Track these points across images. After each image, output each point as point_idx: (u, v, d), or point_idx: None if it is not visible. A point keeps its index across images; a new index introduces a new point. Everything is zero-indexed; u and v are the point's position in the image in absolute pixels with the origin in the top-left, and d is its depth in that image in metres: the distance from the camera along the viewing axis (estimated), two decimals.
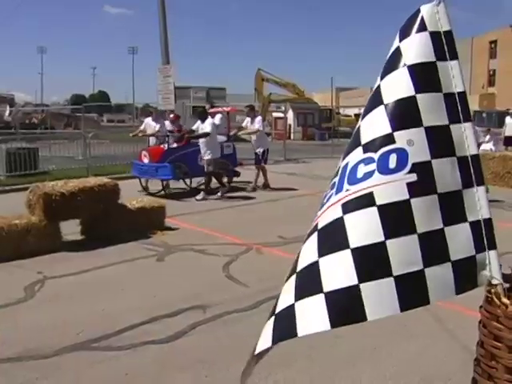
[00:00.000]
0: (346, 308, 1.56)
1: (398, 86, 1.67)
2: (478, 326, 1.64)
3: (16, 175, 14.73)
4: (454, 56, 1.69)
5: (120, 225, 8.14)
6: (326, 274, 1.59)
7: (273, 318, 1.67)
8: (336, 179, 1.75)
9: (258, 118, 13.43)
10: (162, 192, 12.72)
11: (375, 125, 1.67)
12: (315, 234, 1.69)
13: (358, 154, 1.68)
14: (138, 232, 8.21)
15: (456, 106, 1.65)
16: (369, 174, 1.62)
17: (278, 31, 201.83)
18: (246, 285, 6.04)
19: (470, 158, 1.64)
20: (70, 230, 8.04)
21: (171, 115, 15.06)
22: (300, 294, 1.62)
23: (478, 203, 1.61)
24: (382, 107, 1.67)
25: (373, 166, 1.62)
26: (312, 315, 1.57)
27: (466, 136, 1.64)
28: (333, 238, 1.62)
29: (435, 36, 1.68)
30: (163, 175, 12.50)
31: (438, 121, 1.64)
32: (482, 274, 1.59)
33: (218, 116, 14.12)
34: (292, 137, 35.32)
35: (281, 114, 33.81)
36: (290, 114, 35.50)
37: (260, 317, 5.25)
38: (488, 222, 1.61)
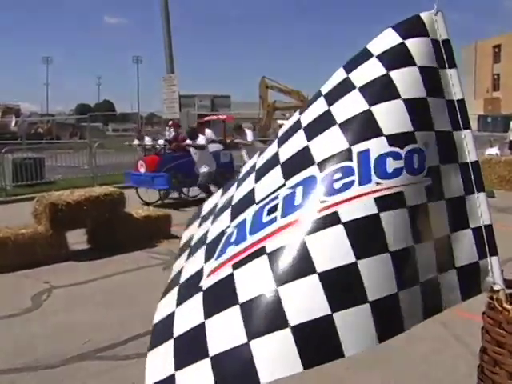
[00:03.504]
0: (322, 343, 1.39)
1: (411, 84, 1.63)
2: (481, 332, 1.65)
3: (22, 185, 14.81)
4: (453, 64, 1.69)
5: (126, 234, 8.16)
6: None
7: (206, 360, 1.40)
8: (352, 164, 1.53)
9: (250, 132, 13.29)
10: (159, 202, 12.54)
11: (396, 117, 1.59)
12: (340, 227, 1.45)
13: (380, 143, 1.54)
14: (144, 241, 8.23)
15: (456, 114, 1.65)
16: (398, 171, 1.51)
17: (282, 38, 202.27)
18: None
19: (470, 165, 1.64)
20: (77, 239, 8.08)
21: (170, 122, 15.13)
22: (257, 330, 1.38)
23: (479, 209, 1.61)
24: (400, 101, 1.60)
25: (401, 163, 1.52)
26: (279, 357, 1.37)
27: (466, 143, 1.65)
28: (371, 236, 1.46)
29: (435, 44, 1.68)
30: (159, 185, 12.30)
31: (444, 126, 1.63)
32: (486, 280, 1.59)
33: (209, 131, 14.00)
34: None
35: (285, 121, 33.85)
36: None
37: None
38: (489, 228, 1.61)
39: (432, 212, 1.55)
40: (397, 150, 1.53)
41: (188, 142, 12.16)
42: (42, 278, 6.76)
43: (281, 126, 28.29)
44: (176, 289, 1.70)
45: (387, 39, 1.71)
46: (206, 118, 14.97)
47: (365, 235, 1.46)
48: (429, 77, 1.64)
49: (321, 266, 1.41)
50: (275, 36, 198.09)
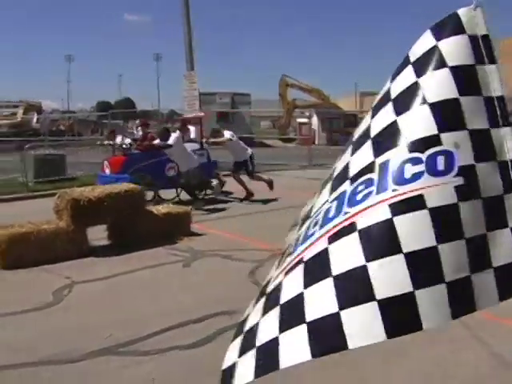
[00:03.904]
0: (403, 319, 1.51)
1: (440, 86, 1.65)
2: None
3: (44, 181, 14.91)
4: (492, 60, 1.66)
5: (146, 230, 8.16)
6: (377, 282, 1.52)
7: (253, 351, 1.62)
8: (373, 176, 1.64)
9: (227, 132, 12.76)
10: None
11: (419, 123, 1.63)
12: (355, 235, 1.58)
13: (400, 151, 1.62)
14: (164, 237, 8.22)
15: (495, 111, 1.63)
16: (418, 175, 1.56)
17: (302, 35, 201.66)
18: None
19: (510, 163, 1.61)
20: (97, 235, 8.12)
21: (137, 121, 14.53)
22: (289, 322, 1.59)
23: None
24: (425, 106, 1.63)
25: (421, 167, 1.57)
26: (366, 326, 1.50)
27: (505, 140, 1.62)
28: (381, 240, 1.55)
29: (473, 39, 1.67)
30: None
31: (480, 124, 1.62)
32: None
33: (193, 129, 13.56)
34: (316, 142, 35.22)
35: (305, 120, 33.79)
36: (315, 120, 35.44)
37: None
38: None
39: (464, 211, 1.55)
40: (417, 155, 1.59)
41: (156, 141, 11.55)
42: (63, 273, 6.81)
43: (300, 124, 28.03)
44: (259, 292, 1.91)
45: (423, 43, 1.74)
46: (186, 116, 14.21)
47: (376, 239, 1.55)
48: (463, 75, 1.65)
49: (336, 271, 1.56)
50: (296, 33, 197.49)
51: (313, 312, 1.55)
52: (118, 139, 14.00)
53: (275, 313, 1.65)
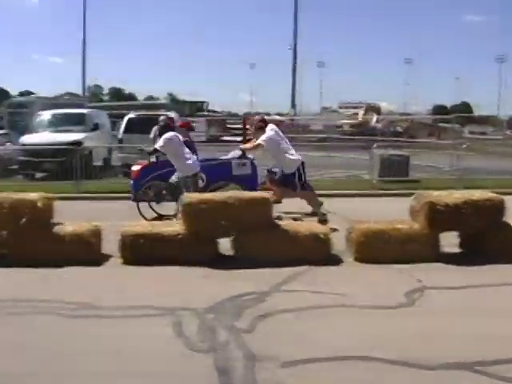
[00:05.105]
0: None
1: None
2: None
3: (387, 181, 15.35)
4: None
5: (503, 245, 7.54)
6: None
7: None
8: None
9: (267, 133, 9.97)
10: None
11: None
12: None
13: None
14: None
15: None
16: None
17: None
18: None
19: None
20: (447, 241, 7.86)
21: (179, 122, 12.89)
22: None
23: None
24: None
25: None
26: None
27: None
28: None
29: None
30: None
31: None
32: None
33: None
34: None
35: None
36: None
37: None
38: None
39: None
40: None
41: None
42: (415, 275, 6.76)
43: None
44: None
45: None
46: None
47: None
48: None
49: None
50: None
51: None
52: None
53: None
